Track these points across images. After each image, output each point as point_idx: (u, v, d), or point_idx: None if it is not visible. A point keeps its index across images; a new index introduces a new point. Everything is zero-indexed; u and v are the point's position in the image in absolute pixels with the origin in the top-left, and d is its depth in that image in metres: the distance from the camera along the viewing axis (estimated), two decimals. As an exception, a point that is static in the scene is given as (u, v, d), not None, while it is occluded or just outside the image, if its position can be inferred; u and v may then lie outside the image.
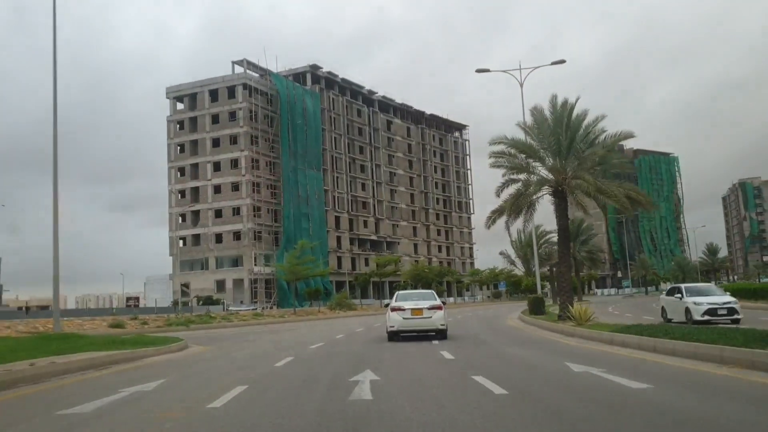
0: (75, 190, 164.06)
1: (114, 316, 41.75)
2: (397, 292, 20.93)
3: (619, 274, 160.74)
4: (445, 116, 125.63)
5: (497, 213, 26.12)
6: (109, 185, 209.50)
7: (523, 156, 24.58)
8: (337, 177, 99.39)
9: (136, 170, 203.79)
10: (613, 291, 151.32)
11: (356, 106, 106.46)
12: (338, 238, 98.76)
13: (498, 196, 26.06)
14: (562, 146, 24.04)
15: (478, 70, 34.06)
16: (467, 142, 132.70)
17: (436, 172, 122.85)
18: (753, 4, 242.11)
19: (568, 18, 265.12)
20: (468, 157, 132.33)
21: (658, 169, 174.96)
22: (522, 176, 25.07)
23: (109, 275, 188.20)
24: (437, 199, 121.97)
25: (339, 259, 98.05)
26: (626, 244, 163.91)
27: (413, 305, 18.08)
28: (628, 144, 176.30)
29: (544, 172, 24.90)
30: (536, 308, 29.44)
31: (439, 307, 18.17)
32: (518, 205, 24.80)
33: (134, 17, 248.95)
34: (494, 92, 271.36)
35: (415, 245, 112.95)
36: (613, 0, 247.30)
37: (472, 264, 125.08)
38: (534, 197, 24.88)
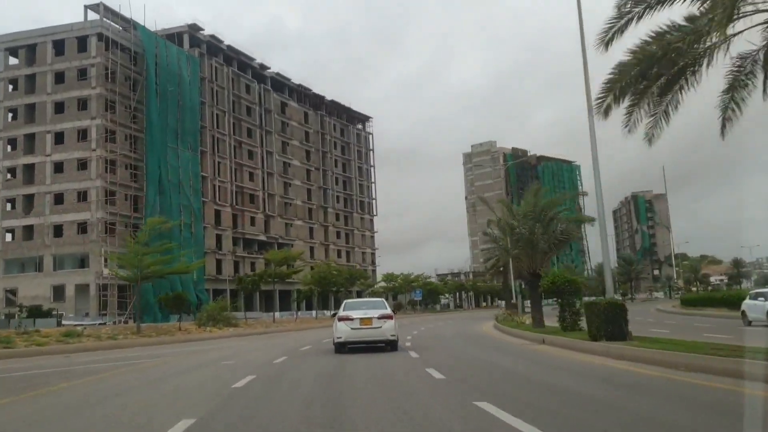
0: None
1: None
2: (345, 301, 19.67)
3: (522, 285, 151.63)
4: (347, 105, 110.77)
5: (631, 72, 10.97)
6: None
7: None
8: (219, 162, 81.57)
9: None
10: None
11: (244, 80, 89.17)
12: (218, 237, 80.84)
13: (607, 44, 10.94)
14: None
15: None
16: (371, 136, 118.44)
17: (336, 166, 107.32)
18: (625, 40, 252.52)
19: (458, 41, 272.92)
20: (371, 152, 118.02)
21: (561, 176, 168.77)
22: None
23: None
24: (337, 197, 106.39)
25: (219, 262, 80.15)
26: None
27: (362, 314, 17.04)
28: (532, 150, 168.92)
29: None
30: (611, 325, 14.14)
31: (389, 317, 17.17)
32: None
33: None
34: (390, 106, 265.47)
35: (312, 248, 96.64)
36: (501, 26, 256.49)
37: (374, 272, 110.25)
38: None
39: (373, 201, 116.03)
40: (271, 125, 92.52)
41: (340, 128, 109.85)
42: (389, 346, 17.16)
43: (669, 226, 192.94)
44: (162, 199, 69.58)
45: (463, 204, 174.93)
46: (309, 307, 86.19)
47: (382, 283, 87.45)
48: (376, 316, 16.99)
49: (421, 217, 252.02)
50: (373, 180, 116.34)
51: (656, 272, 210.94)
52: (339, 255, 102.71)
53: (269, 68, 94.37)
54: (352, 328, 16.85)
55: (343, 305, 18.52)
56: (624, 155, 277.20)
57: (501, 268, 44.63)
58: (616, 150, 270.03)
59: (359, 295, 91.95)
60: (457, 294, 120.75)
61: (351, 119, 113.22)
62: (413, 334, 27.46)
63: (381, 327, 16.86)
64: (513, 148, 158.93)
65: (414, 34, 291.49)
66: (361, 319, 16.91)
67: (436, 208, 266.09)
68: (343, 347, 17.15)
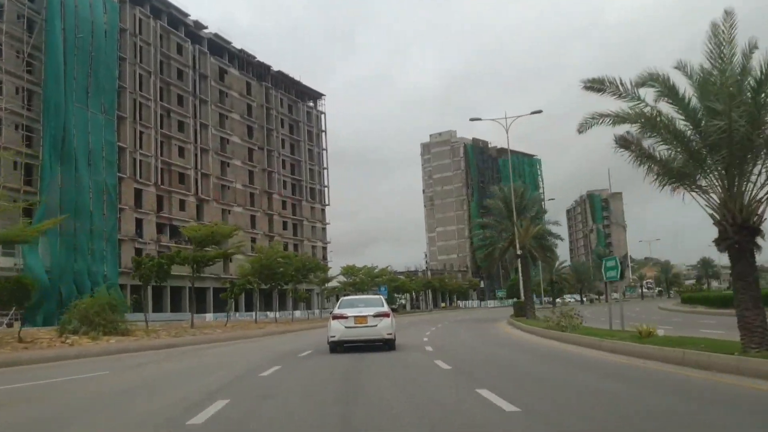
0: None
1: None
2: (341, 298, 19.50)
3: (482, 284, 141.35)
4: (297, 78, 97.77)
5: None
6: None
7: None
8: (142, 132, 67.62)
9: None
10: (476, 303, 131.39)
11: (176, 38, 75.29)
12: (138, 222, 66.96)
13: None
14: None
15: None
16: (323, 116, 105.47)
17: (283, 146, 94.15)
18: (576, 46, 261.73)
19: (412, 41, 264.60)
20: (324, 134, 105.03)
21: (522, 170, 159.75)
22: None
23: None
24: (284, 182, 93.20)
25: (138, 252, 66.06)
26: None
27: (357, 312, 16.34)
28: (493, 142, 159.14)
29: None
30: None
31: (386, 315, 16.37)
32: None
33: None
34: (343, 106, 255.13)
35: (254, 240, 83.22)
36: (456, 27, 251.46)
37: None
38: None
39: (326, 189, 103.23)
40: (207, 93, 78.87)
41: (288, 104, 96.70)
42: (386, 345, 16.35)
43: (624, 224, 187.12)
44: (64, 170, 55.50)
45: (416, 205, 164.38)
46: (249, 308, 72.99)
47: (341, 278, 74.57)
48: (372, 314, 16.21)
49: (372, 218, 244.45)
50: (325, 165, 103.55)
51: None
52: (286, 248, 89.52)
53: (206, 27, 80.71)
54: (346, 327, 16.07)
55: (338, 303, 18.00)
56: (578, 153, 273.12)
57: (520, 251, 32.67)
58: (571, 149, 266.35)
59: (309, 292, 79.42)
60: (413, 294, 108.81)
61: (301, 95, 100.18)
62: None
63: (377, 325, 16.08)
64: (474, 139, 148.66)
65: (368, 33, 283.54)
66: (355, 317, 16.13)
67: (387, 210, 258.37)
68: (337, 347, 16.37)
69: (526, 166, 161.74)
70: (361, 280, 69.89)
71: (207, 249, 40.00)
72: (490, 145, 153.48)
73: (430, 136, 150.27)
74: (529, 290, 29.90)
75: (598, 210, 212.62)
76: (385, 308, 16.70)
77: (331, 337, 16.26)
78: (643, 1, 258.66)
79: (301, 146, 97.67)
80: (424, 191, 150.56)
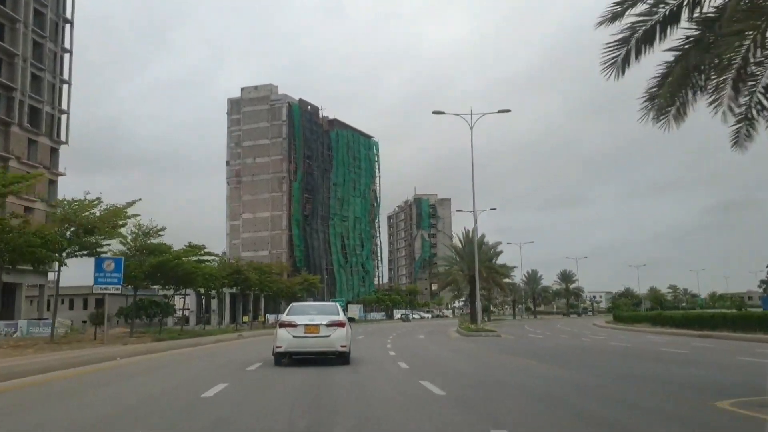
0: None
1: None
2: (291, 305, 17.38)
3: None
4: None
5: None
6: None
7: None
8: None
9: None
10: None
11: None
12: None
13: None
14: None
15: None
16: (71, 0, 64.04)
17: (-22, 21, 51.95)
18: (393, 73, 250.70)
19: (228, 50, 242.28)
20: (70, 26, 63.57)
21: (357, 151, 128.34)
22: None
23: None
24: (-26, 85, 51.03)
25: None
26: (313, 249, 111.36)
27: (308, 321, 14.86)
28: (326, 110, 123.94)
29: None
30: None
31: (340, 324, 14.91)
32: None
33: None
34: (149, 105, 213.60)
35: None
36: (271, 41, 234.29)
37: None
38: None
39: (64, 116, 61.69)
40: None
41: (-3, -49, 54.75)
42: (339, 358, 15.02)
43: (452, 234, 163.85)
44: None
45: (216, 213, 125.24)
46: None
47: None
48: (325, 323, 14.73)
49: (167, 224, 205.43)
50: (65, 77, 62.12)
51: (434, 286, 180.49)
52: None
53: None
54: (294, 336, 14.65)
55: (288, 309, 16.20)
56: (404, 156, 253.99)
57: None
58: (397, 152, 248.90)
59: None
60: (208, 295, 70.16)
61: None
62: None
63: (329, 336, 14.65)
64: (301, 100, 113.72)
65: (183, 35, 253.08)
66: (306, 326, 14.67)
67: (185, 216, 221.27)
68: (282, 358, 15.08)
69: (363, 147, 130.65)
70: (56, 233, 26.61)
71: None
72: (321, 114, 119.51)
73: (242, 89, 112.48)
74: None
75: (425, 216, 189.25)
76: (341, 317, 15.21)
77: (277, 347, 14.92)
78: (458, 36, 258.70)
79: (20, 32, 55.71)
80: (228, 163, 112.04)
